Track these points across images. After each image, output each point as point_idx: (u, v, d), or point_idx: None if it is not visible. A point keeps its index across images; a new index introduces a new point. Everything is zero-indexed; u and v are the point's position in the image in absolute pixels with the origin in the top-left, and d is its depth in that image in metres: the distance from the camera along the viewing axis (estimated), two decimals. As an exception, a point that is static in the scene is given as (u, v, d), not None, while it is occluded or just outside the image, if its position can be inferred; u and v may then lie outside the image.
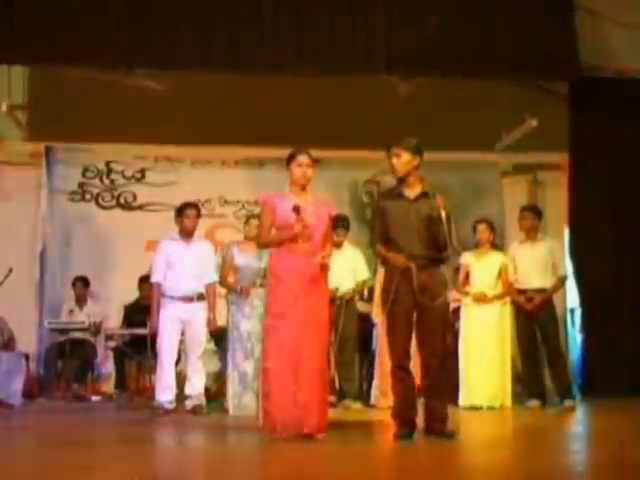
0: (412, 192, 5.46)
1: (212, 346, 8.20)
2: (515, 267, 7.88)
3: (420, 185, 5.48)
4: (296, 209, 5.40)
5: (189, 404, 7.24)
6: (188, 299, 7.28)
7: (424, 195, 5.45)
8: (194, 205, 7.61)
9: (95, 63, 8.29)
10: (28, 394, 8.27)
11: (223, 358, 8.17)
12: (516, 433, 6.36)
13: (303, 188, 5.58)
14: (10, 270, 7.91)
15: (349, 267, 7.95)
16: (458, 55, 8.39)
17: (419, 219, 5.38)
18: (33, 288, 9.48)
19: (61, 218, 9.77)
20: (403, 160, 5.43)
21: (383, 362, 7.67)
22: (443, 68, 8.48)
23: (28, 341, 9.11)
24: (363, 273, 8.10)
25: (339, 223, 7.62)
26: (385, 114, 9.26)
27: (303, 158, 5.55)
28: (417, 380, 5.47)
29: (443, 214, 5.29)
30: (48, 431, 6.16)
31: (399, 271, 5.33)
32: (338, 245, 7.68)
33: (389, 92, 9.30)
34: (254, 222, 7.39)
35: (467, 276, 7.93)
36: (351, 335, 7.96)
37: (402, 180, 5.48)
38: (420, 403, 5.46)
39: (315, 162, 5.69)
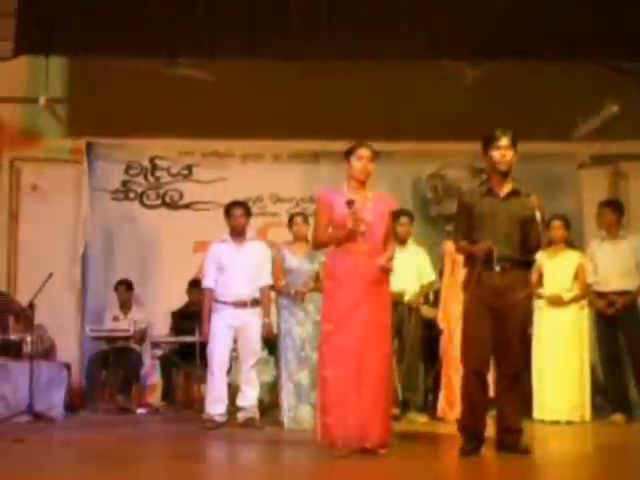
0: (503, 190, 5.39)
1: (265, 355, 8.19)
2: (595, 267, 7.75)
3: (511, 183, 5.41)
4: (350, 202, 5.37)
5: (241, 417, 7.24)
6: (241, 304, 7.27)
7: (515, 193, 5.38)
8: (240, 203, 7.59)
9: (137, 52, 8.33)
10: (70, 406, 8.34)
11: (277, 367, 8.19)
12: (598, 450, 6.24)
13: (362, 184, 5.56)
14: (50, 275, 7.96)
15: (413, 265, 7.88)
16: (529, 36, 8.21)
17: (509, 219, 5.31)
18: (74, 293, 9.58)
19: (103, 218, 9.85)
20: (510, 154, 5.35)
21: (449, 371, 7.62)
22: (512, 51, 8.30)
23: (69, 350, 9.20)
24: (429, 275, 8.04)
25: (402, 214, 7.61)
26: (450, 102, 9.17)
27: (364, 151, 5.52)
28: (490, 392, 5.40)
29: (538, 215, 5.24)
30: (91, 446, 6.21)
31: (478, 270, 5.26)
32: (402, 241, 7.64)
33: (454, 78, 9.21)
34: (298, 220, 7.42)
35: (540, 277, 7.82)
36: (416, 342, 7.90)
37: (497, 175, 5.39)
38: (491, 416, 5.39)
39: (375, 155, 5.65)
